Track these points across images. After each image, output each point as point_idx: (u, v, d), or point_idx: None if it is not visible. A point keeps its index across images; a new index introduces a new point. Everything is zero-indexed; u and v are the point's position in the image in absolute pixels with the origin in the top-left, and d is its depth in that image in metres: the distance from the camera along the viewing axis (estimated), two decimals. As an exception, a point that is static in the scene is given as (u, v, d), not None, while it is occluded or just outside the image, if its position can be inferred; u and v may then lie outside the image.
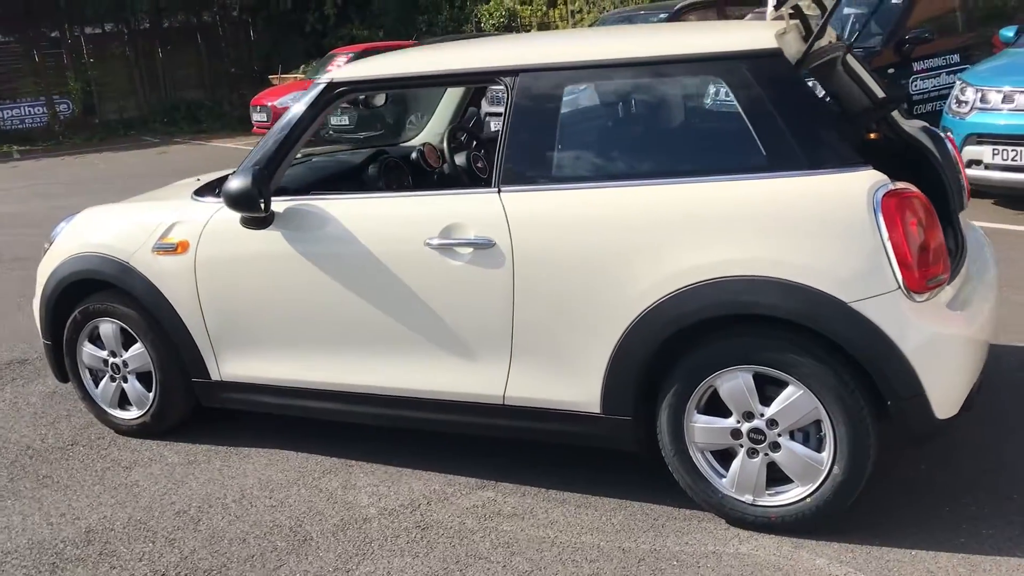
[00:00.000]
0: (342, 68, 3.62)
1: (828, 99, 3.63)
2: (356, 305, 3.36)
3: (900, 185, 2.76)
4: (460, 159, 4.38)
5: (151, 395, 3.97)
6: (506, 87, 3.19)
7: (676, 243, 2.86)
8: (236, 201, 3.37)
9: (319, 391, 3.56)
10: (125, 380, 4.01)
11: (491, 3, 20.83)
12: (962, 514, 2.98)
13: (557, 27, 19.55)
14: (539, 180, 3.10)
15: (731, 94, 2.92)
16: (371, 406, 3.48)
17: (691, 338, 2.91)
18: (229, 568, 3.01)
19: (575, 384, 3.09)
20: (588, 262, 2.98)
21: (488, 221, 3.11)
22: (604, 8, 17.71)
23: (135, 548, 3.17)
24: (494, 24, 20.67)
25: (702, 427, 2.96)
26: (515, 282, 3.08)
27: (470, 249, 3.13)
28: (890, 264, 2.68)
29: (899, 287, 2.68)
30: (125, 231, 3.87)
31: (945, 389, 2.74)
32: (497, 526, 3.14)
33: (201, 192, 3.91)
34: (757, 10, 4.01)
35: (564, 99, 3.12)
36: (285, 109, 15.58)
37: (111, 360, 4.01)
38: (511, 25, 20.43)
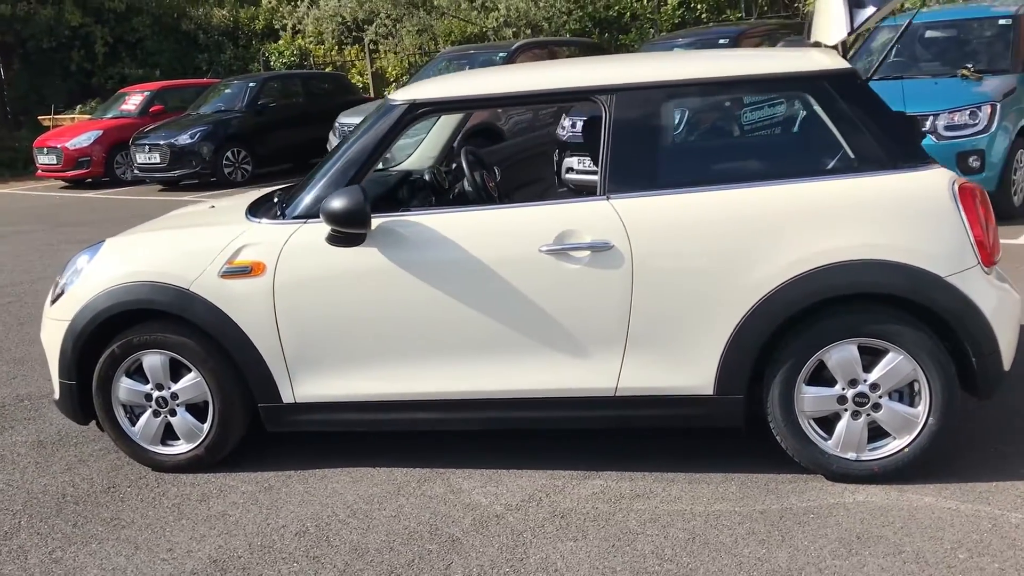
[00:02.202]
0: (423, 88, 3.75)
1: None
2: (464, 313, 3.50)
3: (964, 179, 3.34)
4: (473, 179, 4.59)
5: (205, 426, 3.85)
6: (602, 104, 3.48)
7: (789, 236, 3.27)
8: (345, 219, 3.42)
9: (417, 402, 3.64)
10: (172, 414, 3.87)
11: (280, 42, 20.64)
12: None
13: (353, 67, 19.67)
14: (648, 187, 3.42)
15: (817, 107, 3.40)
16: (477, 411, 3.61)
17: (802, 319, 3.32)
18: (399, 573, 3.06)
19: (689, 370, 3.41)
20: (706, 259, 3.33)
21: (603, 226, 3.39)
22: (403, 49, 18.09)
23: (281, 569, 3.13)
24: (284, 63, 20.49)
25: (811, 397, 3.37)
26: (634, 281, 3.37)
27: (587, 252, 3.39)
28: (970, 244, 3.23)
29: (977, 263, 3.24)
30: (180, 258, 3.76)
31: (1009, 344, 3.34)
32: (630, 506, 3.38)
33: (256, 213, 3.88)
34: (790, 39, 4.54)
35: (663, 114, 3.47)
36: (81, 151, 14.77)
37: (156, 394, 3.86)
38: (303, 64, 20.33)
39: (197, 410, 3.88)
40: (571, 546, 3.15)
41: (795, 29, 11.62)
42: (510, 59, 11.23)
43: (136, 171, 14.51)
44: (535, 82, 3.74)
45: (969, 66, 7.82)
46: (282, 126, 14.60)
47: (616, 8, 15.34)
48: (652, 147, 3.47)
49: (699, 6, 14.64)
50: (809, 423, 3.41)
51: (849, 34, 3.48)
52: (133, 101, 16.26)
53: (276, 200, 4.03)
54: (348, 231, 3.50)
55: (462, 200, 4.55)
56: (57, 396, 4.01)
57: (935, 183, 3.28)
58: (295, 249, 3.63)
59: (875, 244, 3.23)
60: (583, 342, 3.46)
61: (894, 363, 3.29)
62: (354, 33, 18.66)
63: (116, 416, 3.92)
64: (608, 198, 3.43)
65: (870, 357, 3.33)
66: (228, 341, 3.71)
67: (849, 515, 3.21)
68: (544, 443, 3.88)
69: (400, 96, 3.75)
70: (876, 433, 3.40)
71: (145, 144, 14.00)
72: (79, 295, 3.85)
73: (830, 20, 3.50)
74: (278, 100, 14.98)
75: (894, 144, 3.33)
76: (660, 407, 3.48)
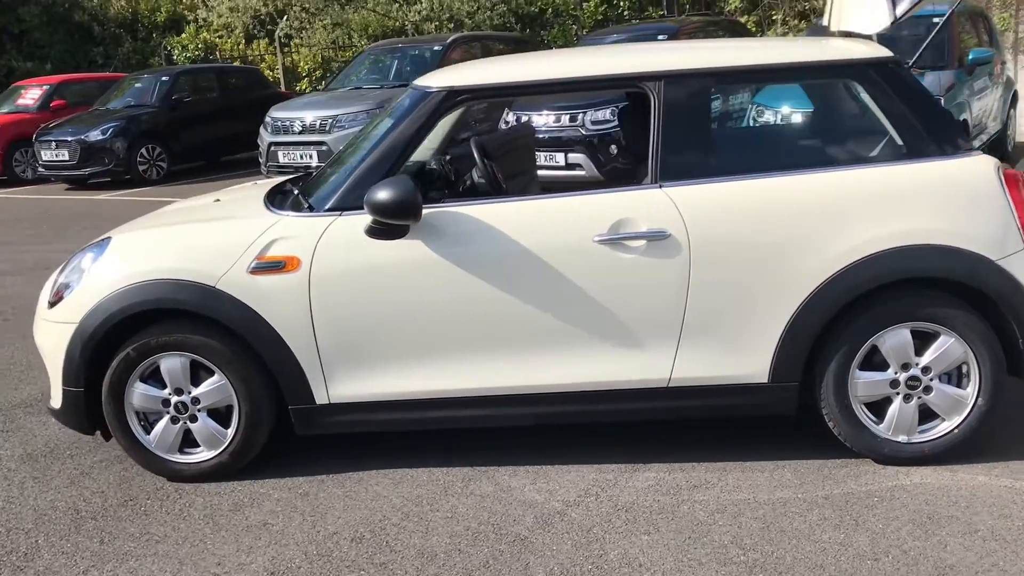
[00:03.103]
0: (459, 73, 3.63)
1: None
2: (513, 305, 3.41)
3: (1004, 164, 3.42)
4: (486, 169, 4.48)
5: (230, 432, 3.64)
6: (651, 91, 3.43)
7: (845, 223, 3.29)
8: (394, 210, 3.28)
9: (461, 399, 3.52)
10: (192, 419, 3.65)
11: (184, 35, 19.94)
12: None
13: (262, 61, 19.15)
14: (701, 174, 3.39)
15: (865, 94, 3.43)
16: (526, 406, 3.52)
17: (856, 304, 3.34)
18: (492, 568, 2.95)
19: (745, 359, 3.40)
20: (764, 246, 3.32)
21: (659, 214, 3.34)
22: (316, 43, 17.71)
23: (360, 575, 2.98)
24: (189, 57, 19.80)
25: (864, 382, 3.40)
26: (691, 270, 3.33)
27: (643, 242, 3.34)
28: (1017, 228, 3.31)
29: (1023, 246, 3.33)
30: (205, 253, 3.54)
31: (1050, 324, 3.44)
32: (691, 497, 3.35)
33: (279, 206, 3.70)
34: (813, 27, 4.56)
35: (713, 101, 3.44)
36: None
37: (174, 399, 3.63)
38: (208, 58, 19.69)
39: (218, 415, 3.66)
40: (646, 540, 3.09)
41: (723, 27, 11.86)
42: (445, 54, 11.10)
43: (41, 169, 13.78)
44: (581, 69, 3.67)
45: (908, 62, 8.11)
46: (198, 122, 14.10)
47: (538, 4, 15.35)
48: (704, 134, 3.44)
49: (621, 3, 14.78)
50: (862, 408, 3.43)
51: (892, 24, 3.52)
52: (31, 95, 15.41)
53: (296, 192, 3.84)
54: (395, 223, 3.36)
55: (473, 192, 4.45)
56: (58, 404, 3.73)
57: (983, 169, 3.35)
58: (331, 242, 3.47)
59: (930, 229, 3.28)
60: (637, 333, 3.41)
61: (946, 346, 3.34)
62: (267, 27, 18.14)
63: (129, 424, 3.67)
64: (661, 186, 3.38)
65: (920, 341, 3.38)
66: (258, 340, 3.51)
67: (912, 497, 3.25)
68: (584, 437, 3.81)
69: (434, 83, 3.62)
70: (925, 415, 3.45)
71: (51, 140, 13.29)
72: (87, 296, 3.59)
73: (869, 10, 3.54)
74: (192, 95, 14.44)
75: (940, 130, 3.39)
76: (714, 397, 3.46)
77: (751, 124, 3.76)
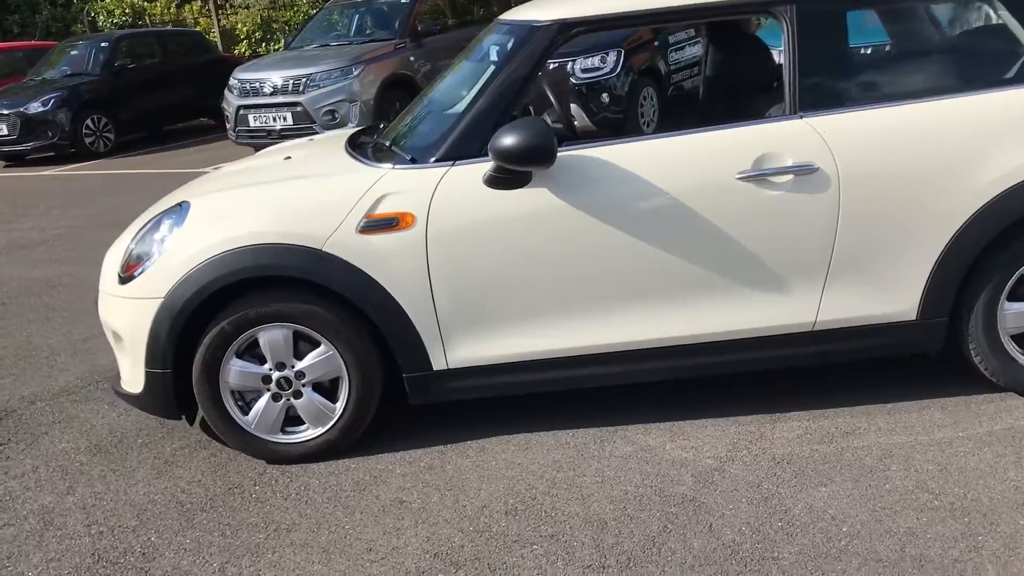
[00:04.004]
0: (568, 5, 3.34)
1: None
2: (648, 253, 3.18)
3: None
4: (562, 112, 4.23)
5: (338, 406, 3.36)
6: (783, 18, 3.21)
7: (999, 147, 3.13)
8: (528, 156, 3.01)
9: (592, 356, 3.29)
10: (296, 395, 3.34)
11: (108, 0, 18.95)
12: None
13: (196, 25, 18.34)
14: (843, 103, 3.20)
15: (1004, 10, 3.26)
16: (662, 360, 3.31)
17: (1008, 233, 3.20)
18: (661, 541, 2.74)
19: (893, 296, 3.24)
20: (914, 176, 3.14)
21: (804, 146, 3.14)
22: (254, 4, 17.00)
23: (523, 553, 2.75)
24: (116, 23, 18.85)
25: (1014, 313, 3.28)
26: (840, 204, 3.15)
27: (789, 177, 3.14)
28: None
29: None
30: (306, 214, 3.23)
31: None
32: (849, 444, 3.19)
33: (376, 158, 3.40)
34: None
35: (848, 23, 3.24)
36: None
37: (276, 375, 3.32)
38: (137, 23, 18.77)
39: (322, 389, 3.37)
40: (825, 492, 2.92)
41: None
42: (413, 6, 10.65)
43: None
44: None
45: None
46: (143, 89, 13.41)
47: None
48: (843, 60, 3.24)
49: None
50: (1010, 340, 3.31)
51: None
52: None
53: (388, 144, 3.53)
54: (526, 169, 3.09)
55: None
56: (139, 388, 3.39)
57: None
58: (447, 195, 3.18)
59: (1086, 150, 3.14)
60: (781, 276, 3.22)
61: (1094, 273, 3.23)
62: (203, -13, 17.34)
63: (225, 405, 3.35)
64: (802, 116, 3.18)
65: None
66: (370, 305, 3.22)
67: (1077, 429, 3.15)
68: (699, 390, 3.62)
69: (542, 16, 3.33)
70: (1068, 346, 3.34)
71: (-14, 115, 12.47)
72: (172, 267, 3.24)
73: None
74: (134, 61, 13.69)
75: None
76: (860, 339, 3.29)
77: (886, 49, 3.55)
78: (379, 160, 3.38)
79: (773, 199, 3.14)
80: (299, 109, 9.44)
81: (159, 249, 3.30)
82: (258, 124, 9.72)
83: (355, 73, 9.46)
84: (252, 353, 3.32)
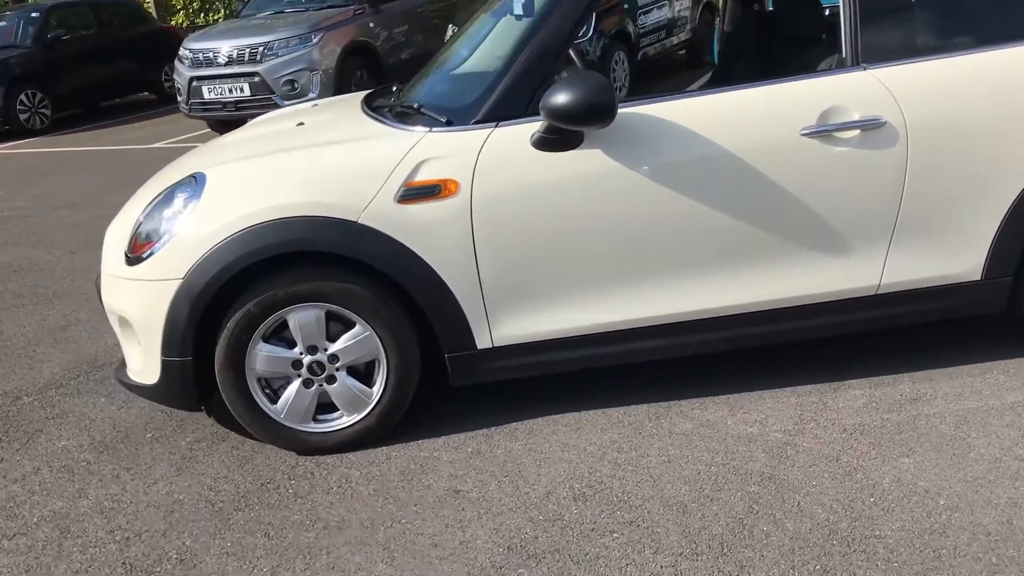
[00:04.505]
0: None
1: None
2: (707, 217, 3.00)
3: None
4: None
5: (375, 390, 3.11)
6: (841, -38, 3.03)
7: (1069, 96, 3.00)
8: (586, 113, 2.79)
9: (641, 329, 3.10)
10: (330, 380, 3.09)
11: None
12: None
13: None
14: (907, 52, 3.03)
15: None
16: (713, 331, 3.13)
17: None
18: (749, 523, 2.57)
19: (958, 256, 3.10)
20: (985, 128, 3.00)
21: (870, 99, 2.97)
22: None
23: (605, 543, 2.55)
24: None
25: (1079, 270, 3.16)
26: (908, 159, 2.99)
27: (856, 132, 2.97)
28: None
29: None
30: (337, 183, 2.96)
31: None
32: (919, 411, 3.06)
33: (404, 120, 3.14)
34: None
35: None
36: None
37: (307, 359, 3.06)
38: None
39: (356, 373, 3.12)
40: (909, 463, 2.78)
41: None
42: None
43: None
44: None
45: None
46: (79, 62, 12.76)
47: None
48: (906, 7, 3.07)
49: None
50: (1074, 298, 3.20)
51: None
52: None
53: (418, 107, 3.26)
54: (583, 128, 2.86)
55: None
56: (154, 379, 3.09)
57: None
58: (493, 159, 2.94)
59: None
60: (846, 237, 3.05)
61: None
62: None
63: (252, 394, 3.08)
64: (864, 68, 3.00)
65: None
66: (411, 281, 2.98)
67: None
68: (749, 360, 3.45)
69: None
70: None
71: (-89, 91, 11.74)
72: (191, 245, 2.95)
73: None
74: (68, 33, 13.00)
75: None
76: (923, 301, 3.15)
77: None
78: (410, 123, 3.12)
79: (839, 156, 2.96)
80: (257, 79, 9.03)
81: (174, 226, 3.00)
82: (213, 96, 9.28)
83: (314, 41, 9.07)
84: (279, 336, 3.05)
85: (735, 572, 2.37)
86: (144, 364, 3.12)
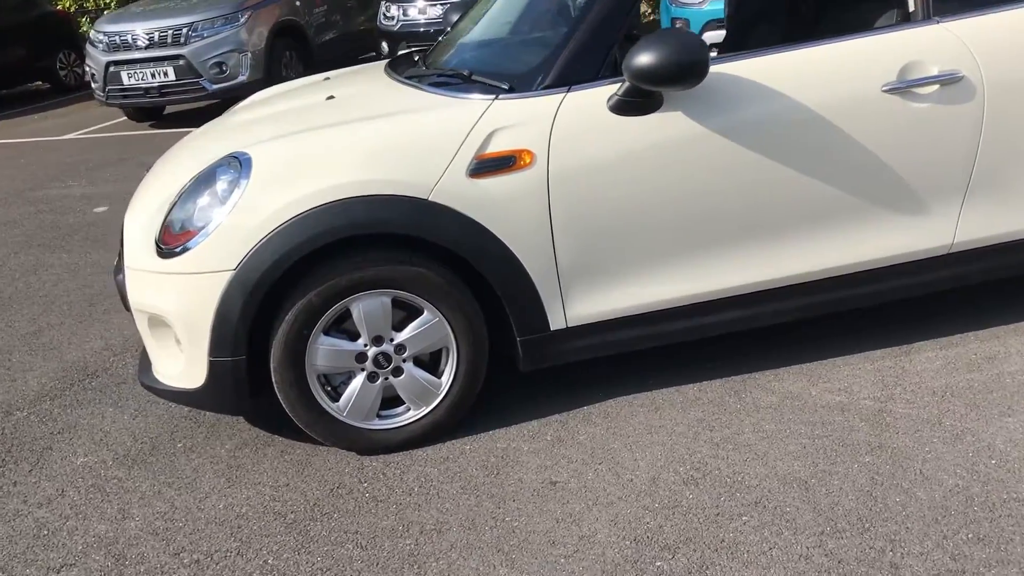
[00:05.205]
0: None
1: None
2: (793, 180, 2.88)
3: None
4: None
5: (444, 380, 2.90)
6: (908, -89, 2.94)
7: None
8: (680, 74, 2.62)
9: (715, 302, 2.97)
10: (396, 373, 2.86)
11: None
12: None
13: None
14: (979, 5, 2.96)
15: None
16: (795, 299, 3.02)
17: None
18: (878, 494, 2.47)
19: (1029, 210, 3.07)
20: (1060, 80, 2.96)
21: (947, 53, 2.90)
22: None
23: (746, 522, 2.41)
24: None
25: None
26: (984, 114, 2.93)
27: (935, 87, 2.89)
28: None
29: None
30: (403, 157, 2.72)
31: None
32: (1000, 370, 3.02)
33: (447, 87, 2.93)
34: None
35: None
36: None
37: (372, 351, 2.82)
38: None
39: (421, 364, 2.90)
40: (1014, 422, 2.73)
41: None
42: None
43: None
44: None
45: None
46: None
47: None
48: (974, -42, 2.99)
49: None
50: None
51: None
52: None
53: (467, 73, 3.04)
54: (672, 89, 2.70)
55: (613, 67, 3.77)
56: (198, 383, 2.81)
57: None
58: (570, 125, 2.75)
59: None
60: (921, 196, 2.98)
61: None
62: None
63: (314, 392, 2.82)
64: (938, 21, 2.92)
65: None
66: (485, 261, 2.77)
67: None
68: (808, 328, 3.36)
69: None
70: None
71: None
72: (244, 232, 2.67)
73: None
74: (-47, 20, 12.08)
75: None
76: (996, 257, 3.11)
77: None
78: (467, 91, 2.89)
79: (918, 112, 2.88)
80: (182, 63, 8.52)
81: (219, 212, 2.70)
82: (133, 82, 8.71)
83: (242, 20, 8.61)
84: (338, 328, 2.79)
85: (886, 547, 2.26)
86: (185, 366, 2.81)
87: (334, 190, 2.66)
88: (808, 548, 2.29)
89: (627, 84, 2.70)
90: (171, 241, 2.76)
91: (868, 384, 3.00)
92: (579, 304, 2.88)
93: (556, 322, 2.88)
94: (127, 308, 3.01)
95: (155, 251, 2.79)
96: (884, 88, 2.84)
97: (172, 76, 8.58)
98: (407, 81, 3.17)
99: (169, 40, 8.56)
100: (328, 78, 3.86)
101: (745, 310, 3.00)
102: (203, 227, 2.70)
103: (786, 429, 2.81)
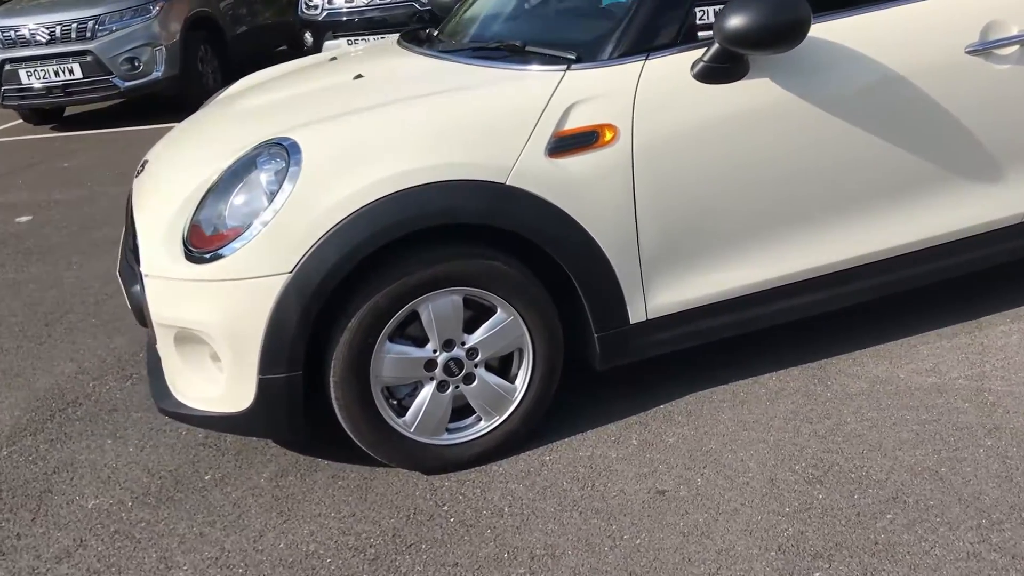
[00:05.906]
0: None
1: None
2: (882, 150, 2.70)
3: None
4: None
5: (519, 385, 2.61)
6: None
7: None
8: (783, 35, 2.40)
9: (796, 285, 2.77)
10: (468, 380, 2.56)
11: None
12: None
13: None
14: (1054, -39, 2.84)
15: None
16: (876, 277, 2.84)
17: None
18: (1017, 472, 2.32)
19: (1101, 175, 2.98)
20: None
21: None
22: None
23: (893, 521, 2.21)
24: None
25: None
26: (1063, 75, 2.81)
27: (1015, 48, 2.76)
28: None
29: None
30: (475, 137, 2.42)
31: None
32: (1085, 341, 2.92)
33: (503, 59, 2.65)
34: None
35: None
36: None
37: (442, 356, 2.51)
38: None
39: (491, 369, 2.60)
40: (1121, 393, 2.61)
41: None
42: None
43: None
44: None
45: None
46: None
47: None
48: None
49: None
50: None
51: None
52: None
53: (520, 44, 2.75)
54: (772, 52, 2.47)
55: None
56: (244, 406, 2.44)
57: None
58: (653, 96, 2.50)
59: None
60: (1000, 163, 2.85)
61: None
62: None
63: (379, 407, 2.48)
64: (1014, -22, 2.79)
65: None
66: (565, 251, 2.49)
67: None
68: (864, 310, 3.19)
69: None
70: None
71: None
72: (301, 229, 2.32)
73: None
74: None
75: None
76: (1068, 225, 3.00)
77: None
78: (525, 62, 2.60)
79: (999, 74, 2.74)
80: (90, 59, 7.87)
81: (259, 208, 2.33)
82: (34, 80, 8.01)
83: (153, 12, 8.02)
84: (401, 334, 2.47)
85: (1055, 537, 2.09)
86: (227, 387, 2.44)
87: (404, 176, 2.33)
88: (972, 544, 2.10)
89: (716, 48, 2.45)
90: (203, 244, 2.38)
91: (955, 363, 2.85)
92: (660, 294, 2.63)
93: (636, 315, 2.62)
94: (143, 324, 2.60)
95: (183, 256, 2.40)
96: (968, 50, 2.69)
97: (79, 73, 7.92)
98: (446, 56, 2.85)
99: (74, 35, 7.89)
100: (335, 58, 3.49)
101: (827, 291, 2.81)
102: (246, 225, 2.33)
103: (890, 416, 2.62)
